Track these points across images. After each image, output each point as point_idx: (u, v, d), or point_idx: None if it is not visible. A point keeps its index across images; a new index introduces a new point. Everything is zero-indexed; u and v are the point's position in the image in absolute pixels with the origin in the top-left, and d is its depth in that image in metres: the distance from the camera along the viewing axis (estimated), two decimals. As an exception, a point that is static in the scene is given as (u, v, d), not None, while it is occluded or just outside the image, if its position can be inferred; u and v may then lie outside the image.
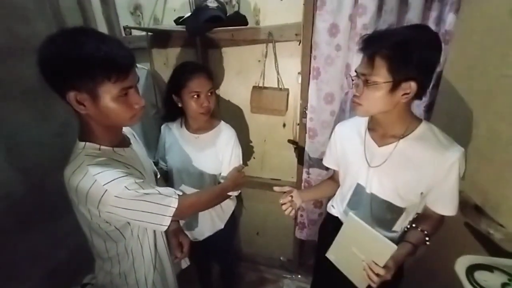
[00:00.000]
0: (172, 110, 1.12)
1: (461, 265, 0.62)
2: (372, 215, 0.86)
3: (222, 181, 1.12)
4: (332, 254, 0.88)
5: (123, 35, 1.42)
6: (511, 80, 0.72)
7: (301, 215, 1.50)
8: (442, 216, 0.81)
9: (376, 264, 0.71)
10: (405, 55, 0.65)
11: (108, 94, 0.62)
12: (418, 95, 0.71)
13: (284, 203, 0.97)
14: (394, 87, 0.68)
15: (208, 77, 1.04)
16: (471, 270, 0.61)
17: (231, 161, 1.12)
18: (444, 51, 0.98)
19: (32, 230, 1.13)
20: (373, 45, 0.69)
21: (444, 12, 0.96)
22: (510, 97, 0.74)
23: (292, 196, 0.98)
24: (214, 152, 1.12)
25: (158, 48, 1.41)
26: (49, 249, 1.21)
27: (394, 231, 0.86)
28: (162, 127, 1.21)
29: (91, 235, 0.75)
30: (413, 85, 0.68)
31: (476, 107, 0.86)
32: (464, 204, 0.85)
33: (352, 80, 0.76)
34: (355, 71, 0.75)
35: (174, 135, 1.17)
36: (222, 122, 1.17)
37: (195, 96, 1.02)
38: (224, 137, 1.13)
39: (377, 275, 0.70)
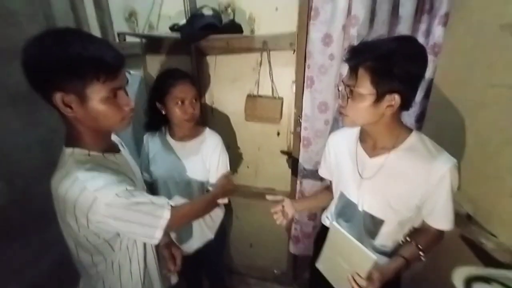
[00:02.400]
0: (155, 118, 1.10)
1: (458, 276, 0.61)
2: (365, 229, 0.85)
3: (210, 188, 1.10)
4: (320, 264, 0.87)
5: (117, 41, 1.41)
6: (498, 90, 0.74)
7: (295, 229, 1.47)
8: (440, 231, 0.79)
9: (359, 275, 0.69)
10: (388, 68, 0.64)
11: (97, 95, 0.59)
12: (404, 107, 0.71)
13: (275, 212, 0.95)
14: (378, 99, 0.68)
15: (192, 84, 1.04)
16: (468, 282, 0.60)
17: (219, 168, 1.11)
18: (434, 62, 1.02)
19: (14, 242, 1.07)
20: (357, 57, 0.69)
21: (433, 25, 0.99)
22: (497, 106, 0.75)
23: (283, 206, 0.96)
24: (201, 160, 1.10)
25: (152, 55, 1.41)
26: (31, 261, 1.14)
27: (386, 246, 0.84)
28: (145, 137, 1.18)
29: (77, 250, 0.70)
30: (397, 97, 0.67)
31: (465, 117, 0.88)
32: (456, 213, 0.85)
33: (339, 91, 0.77)
34: (342, 81, 0.75)
35: (158, 144, 1.14)
36: (207, 129, 1.16)
37: (180, 103, 1.01)
38: (210, 144, 1.12)
39: (360, 286, 0.68)
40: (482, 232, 0.75)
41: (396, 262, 0.75)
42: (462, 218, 0.82)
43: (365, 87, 0.68)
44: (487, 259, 0.76)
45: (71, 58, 0.55)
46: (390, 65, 0.64)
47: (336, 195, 0.96)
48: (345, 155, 0.89)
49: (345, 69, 1.11)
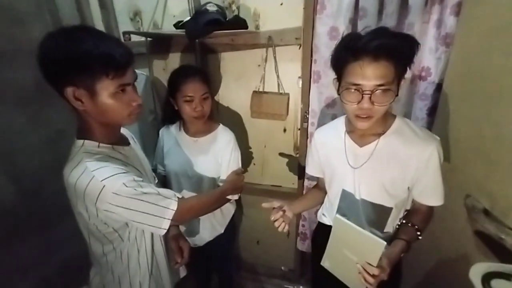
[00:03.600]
0: (170, 113, 1.12)
1: (476, 273, 0.59)
2: (365, 218, 0.85)
3: (221, 184, 1.10)
4: (326, 262, 0.84)
5: (122, 40, 1.41)
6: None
7: (303, 225, 1.46)
8: (431, 208, 0.83)
9: (370, 264, 0.68)
10: (412, 52, 0.66)
11: (106, 90, 0.62)
12: None
13: (276, 219, 0.89)
14: (398, 86, 0.69)
15: (202, 81, 1.03)
16: (486, 279, 0.58)
17: (230, 164, 1.10)
18: (445, 53, 0.99)
19: (23, 240, 1.08)
20: (386, 50, 0.64)
21: (444, 15, 0.95)
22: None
23: (284, 211, 0.90)
24: (213, 156, 1.11)
25: (157, 54, 1.41)
26: (41, 260, 1.16)
27: (386, 232, 0.85)
28: (161, 130, 1.20)
29: (89, 238, 0.74)
30: (403, 79, 0.70)
31: (480, 109, 0.84)
32: (472, 208, 0.82)
33: (368, 95, 0.68)
34: (360, 85, 0.68)
35: (173, 138, 1.15)
36: (221, 125, 1.16)
37: (188, 100, 1.01)
38: (223, 140, 1.12)
39: (373, 275, 0.67)
40: (500, 227, 0.72)
41: (399, 246, 0.76)
42: (478, 213, 0.79)
43: (394, 80, 0.68)
44: (505, 256, 0.73)
45: (82, 55, 0.58)
46: (413, 49, 0.66)
47: (330, 190, 0.95)
48: (334, 149, 0.89)
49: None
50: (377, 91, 0.67)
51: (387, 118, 0.79)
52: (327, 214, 0.99)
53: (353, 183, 0.85)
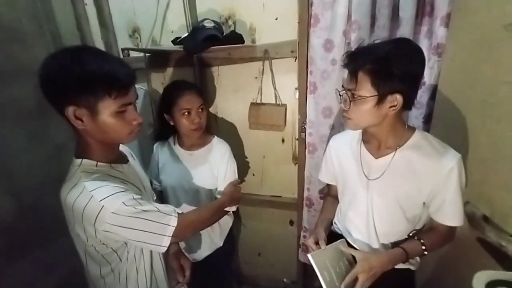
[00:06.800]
0: (164, 128, 1.13)
1: (479, 281, 0.58)
2: (376, 231, 0.84)
3: (218, 196, 1.10)
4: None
5: (121, 57, 1.43)
6: (509, 88, 0.73)
7: (304, 236, 1.44)
8: (450, 228, 0.78)
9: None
10: (387, 69, 0.66)
11: (107, 110, 0.62)
12: (406, 107, 0.73)
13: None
14: (380, 100, 0.69)
15: (197, 94, 1.06)
16: (490, 287, 0.57)
17: (226, 176, 1.11)
18: (438, 63, 1.01)
19: (21, 258, 1.07)
20: (355, 61, 0.70)
21: (435, 26, 0.99)
22: (509, 105, 0.73)
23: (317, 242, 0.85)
24: (209, 168, 1.11)
25: (156, 69, 1.43)
26: (38, 277, 1.13)
27: (396, 244, 0.83)
28: (155, 146, 1.21)
29: (86, 260, 0.72)
30: (398, 97, 0.69)
31: (475, 116, 0.86)
32: (472, 215, 0.83)
33: (340, 96, 0.77)
34: (342, 86, 0.76)
35: (168, 153, 1.16)
36: (216, 137, 1.17)
37: (186, 113, 1.03)
38: (218, 152, 1.13)
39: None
40: (501, 234, 0.72)
41: (392, 251, 0.76)
42: (478, 220, 0.79)
43: (366, 90, 0.69)
44: (508, 263, 0.72)
45: (86, 75, 0.58)
46: (389, 66, 0.66)
47: (342, 199, 0.95)
48: (348, 157, 0.89)
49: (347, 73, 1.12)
50: (346, 95, 0.73)
51: (403, 131, 0.78)
52: (338, 223, 0.98)
53: (366, 194, 0.84)
